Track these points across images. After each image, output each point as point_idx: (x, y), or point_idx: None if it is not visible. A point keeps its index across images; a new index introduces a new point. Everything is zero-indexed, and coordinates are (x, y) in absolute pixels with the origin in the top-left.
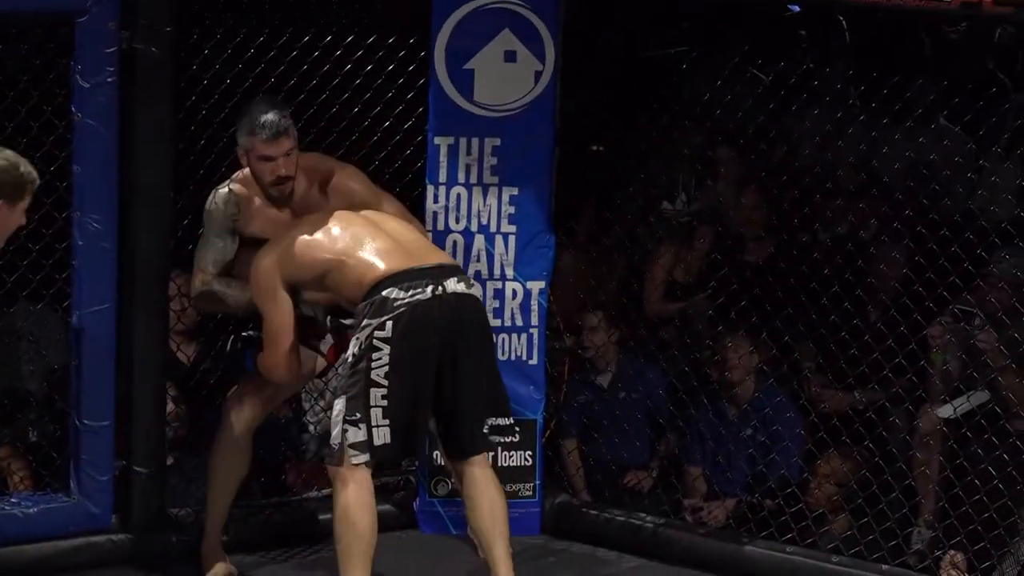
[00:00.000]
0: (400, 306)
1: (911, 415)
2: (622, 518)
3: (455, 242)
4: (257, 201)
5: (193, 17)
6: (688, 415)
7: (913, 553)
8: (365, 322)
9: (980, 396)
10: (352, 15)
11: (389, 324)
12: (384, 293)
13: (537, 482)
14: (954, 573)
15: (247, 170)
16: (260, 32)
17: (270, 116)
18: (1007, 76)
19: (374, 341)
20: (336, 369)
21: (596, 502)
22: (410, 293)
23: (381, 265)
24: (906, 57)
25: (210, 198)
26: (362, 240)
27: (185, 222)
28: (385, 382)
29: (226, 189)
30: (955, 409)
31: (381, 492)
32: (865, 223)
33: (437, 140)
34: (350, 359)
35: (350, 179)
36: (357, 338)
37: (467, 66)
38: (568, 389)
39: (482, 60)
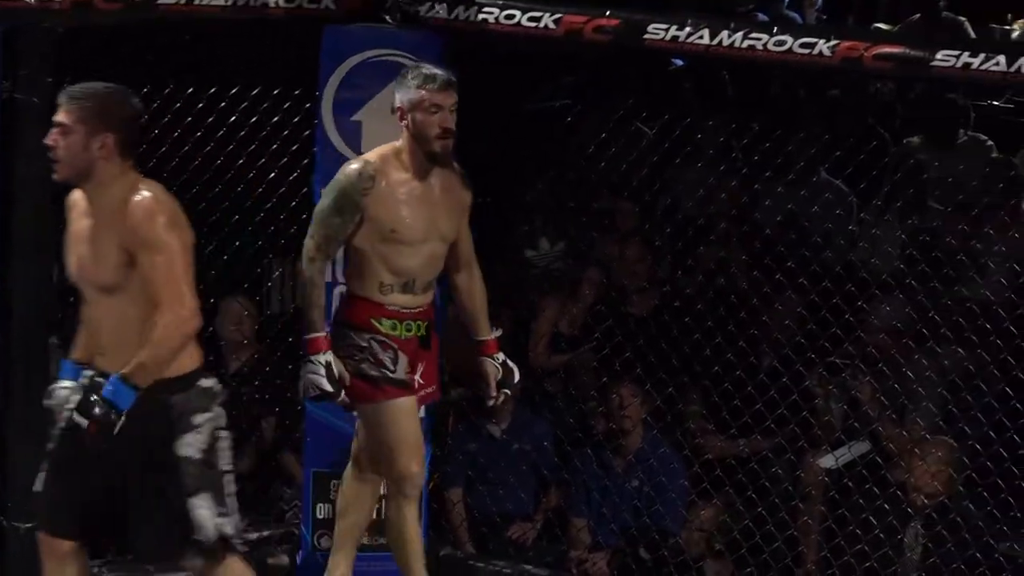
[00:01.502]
0: (217, 392)
1: (794, 465)
2: (507, 570)
3: (341, 294)
4: (395, 175)
5: (75, 68)
6: (573, 466)
7: None
8: (203, 417)
9: (861, 446)
10: (237, 66)
11: (220, 410)
12: (201, 384)
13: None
14: None
15: (383, 147)
16: (143, 83)
17: (438, 70)
18: (886, 130)
19: (217, 431)
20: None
21: (481, 554)
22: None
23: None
24: (787, 111)
25: (340, 170)
26: None
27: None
28: (231, 467)
29: (360, 162)
30: (836, 459)
31: (265, 544)
32: (748, 275)
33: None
34: (198, 456)
35: None
36: (199, 432)
37: (355, 117)
38: (453, 439)
39: (370, 112)
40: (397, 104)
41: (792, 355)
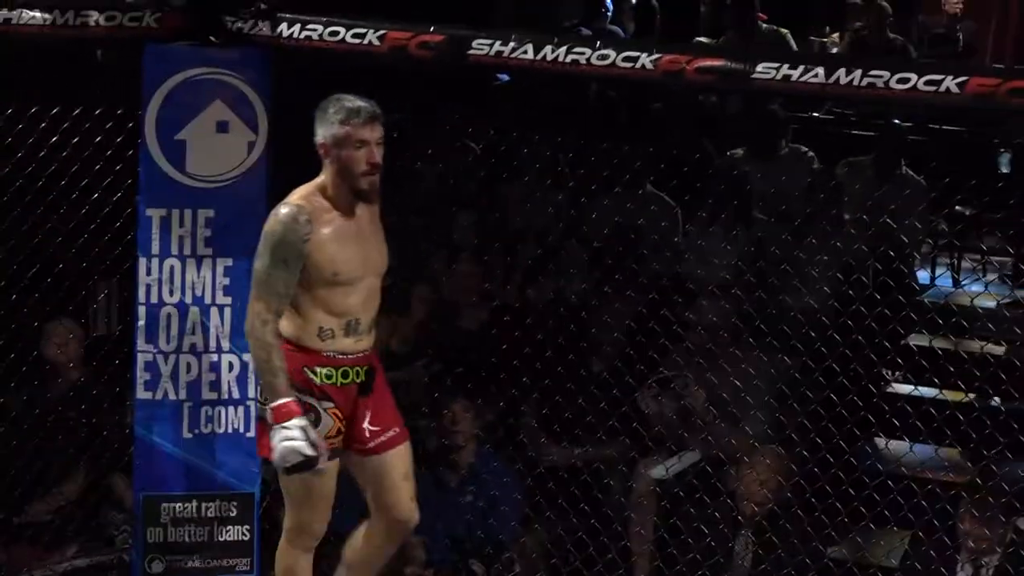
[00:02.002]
0: None
1: (626, 475)
2: None
3: (169, 315)
4: (325, 215)
5: None
6: None
7: None
8: None
9: (691, 456)
10: (58, 85)
11: None
12: None
13: (255, 556)
14: None
15: (305, 187)
16: None
17: (361, 102)
18: (711, 143)
19: None
20: None
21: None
22: None
23: None
24: (612, 125)
25: (271, 220)
26: None
27: None
28: None
29: (290, 207)
30: (667, 469)
31: (96, 570)
32: (576, 287)
33: (149, 212)
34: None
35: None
36: None
37: (178, 136)
38: None
39: (193, 130)
40: (319, 140)
41: (622, 365)
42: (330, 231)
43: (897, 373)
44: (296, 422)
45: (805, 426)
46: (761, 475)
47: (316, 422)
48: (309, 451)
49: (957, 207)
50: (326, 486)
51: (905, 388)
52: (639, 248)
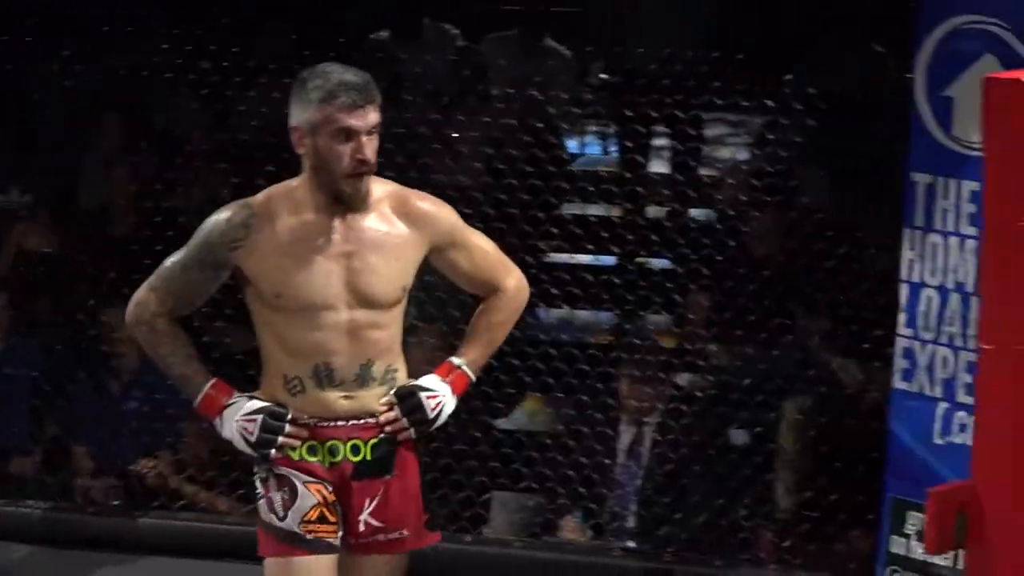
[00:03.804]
0: None
1: None
2: (9, 508)
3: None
4: (284, 220)
5: None
6: (69, 393)
7: None
8: None
9: None
10: None
11: None
12: None
13: None
14: None
15: (278, 185)
16: None
17: (352, 76)
18: (355, 25)
19: None
20: None
21: None
22: None
23: None
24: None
25: (213, 214)
26: None
27: None
28: None
29: (234, 205)
30: None
31: None
32: (229, 184)
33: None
34: None
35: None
36: None
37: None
38: None
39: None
40: (292, 123)
41: None
42: (283, 240)
43: (553, 242)
44: (229, 412)
45: (464, 301)
46: (427, 354)
47: (291, 498)
48: (262, 434)
49: (603, 75)
50: None
51: (562, 257)
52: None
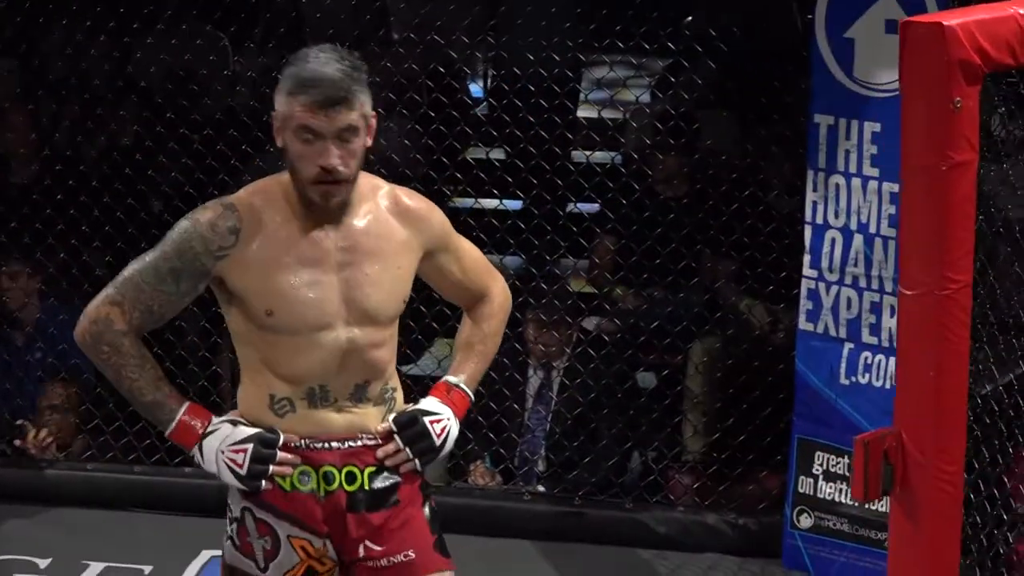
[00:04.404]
0: None
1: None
2: None
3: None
4: (271, 226)
5: None
6: None
7: None
8: None
9: None
10: None
11: None
12: None
13: None
14: None
15: (266, 179)
16: None
17: (329, 68)
18: None
19: None
20: None
21: None
22: None
23: None
24: None
25: (188, 215)
26: None
27: None
28: None
29: (218, 204)
30: None
31: None
32: (129, 131)
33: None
34: None
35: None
36: None
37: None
38: None
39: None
40: (274, 111)
41: (182, 205)
42: (274, 249)
43: (458, 187)
44: (208, 442)
45: None
46: None
47: (274, 550)
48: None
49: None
50: None
51: (467, 202)
52: (188, 85)
